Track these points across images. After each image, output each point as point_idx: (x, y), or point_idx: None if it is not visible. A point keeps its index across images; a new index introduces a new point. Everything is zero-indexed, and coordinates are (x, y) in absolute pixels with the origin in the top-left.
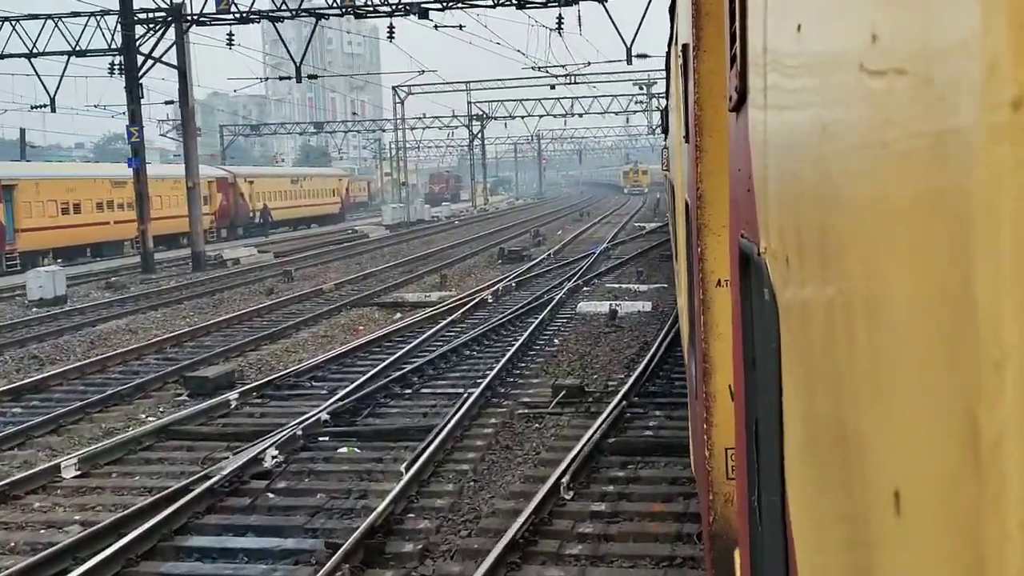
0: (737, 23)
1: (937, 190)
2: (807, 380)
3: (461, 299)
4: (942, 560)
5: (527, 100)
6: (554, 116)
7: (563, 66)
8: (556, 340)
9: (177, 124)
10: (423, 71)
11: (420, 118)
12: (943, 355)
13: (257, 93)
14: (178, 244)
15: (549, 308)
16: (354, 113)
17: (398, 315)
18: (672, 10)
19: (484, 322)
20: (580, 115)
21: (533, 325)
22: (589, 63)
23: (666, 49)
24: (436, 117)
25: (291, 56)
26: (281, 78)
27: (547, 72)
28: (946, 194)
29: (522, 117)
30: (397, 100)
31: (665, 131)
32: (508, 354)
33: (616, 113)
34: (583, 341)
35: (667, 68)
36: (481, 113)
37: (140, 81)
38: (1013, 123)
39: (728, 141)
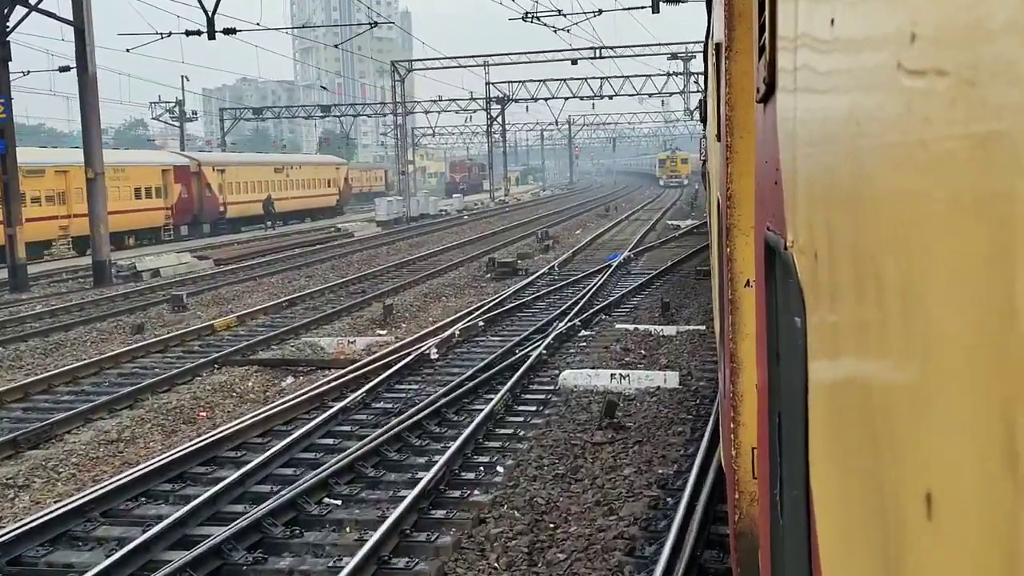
0: (767, 13)
1: (978, 193)
2: (835, 377)
3: (395, 351)
4: (976, 566)
5: (551, 80)
6: (580, 98)
7: (594, 49)
8: (500, 468)
9: (170, 107)
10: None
11: (436, 100)
12: (981, 359)
13: (285, 79)
14: (122, 244)
15: (516, 378)
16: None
17: (289, 380)
18: (709, 4)
19: (401, 408)
20: (610, 97)
21: (474, 423)
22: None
23: (704, 40)
24: (453, 100)
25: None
26: (188, 33)
27: (569, 43)
28: (988, 198)
29: (546, 99)
30: (397, 79)
31: (704, 120)
32: (385, 524)
33: (650, 95)
34: (549, 470)
35: (705, 58)
36: (501, 95)
37: (7, 38)
38: None
39: (756, 133)
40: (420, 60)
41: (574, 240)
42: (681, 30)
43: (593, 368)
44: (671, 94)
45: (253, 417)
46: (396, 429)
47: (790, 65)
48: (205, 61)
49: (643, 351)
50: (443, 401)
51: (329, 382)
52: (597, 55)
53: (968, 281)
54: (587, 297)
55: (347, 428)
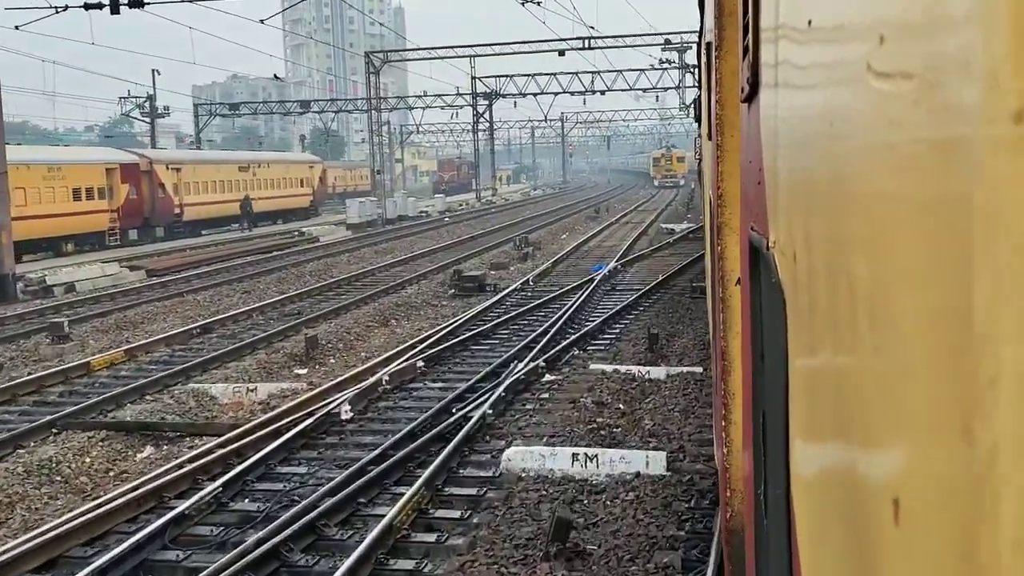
0: (750, 14)
1: (940, 196)
2: (812, 377)
3: (301, 405)
4: (941, 574)
5: (540, 75)
6: (571, 94)
7: (585, 39)
8: None
9: (141, 101)
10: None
11: (420, 96)
12: (943, 364)
13: (277, 75)
14: (60, 251)
15: (443, 458)
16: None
17: (148, 451)
18: (701, 2)
19: (268, 511)
20: (602, 92)
21: (360, 550)
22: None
23: (697, 39)
24: (438, 95)
25: None
26: (87, 6)
27: (557, 34)
28: (949, 201)
29: (535, 94)
30: (371, 71)
31: (698, 119)
32: None
33: (644, 90)
34: None
35: (698, 57)
36: (488, 90)
37: None
38: (1015, 135)
39: (740, 134)
40: (397, 51)
41: (558, 247)
42: (675, 21)
43: (551, 442)
44: (666, 89)
45: (34, 539)
46: (239, 564)
47: (771, 65)
48: (197, 59)
49: (622, 406)
50: (327, 504)
51: (193, 459)
52: (586, 45)
53: (931, 287)
54: (560, 323)
55: (172, 556)
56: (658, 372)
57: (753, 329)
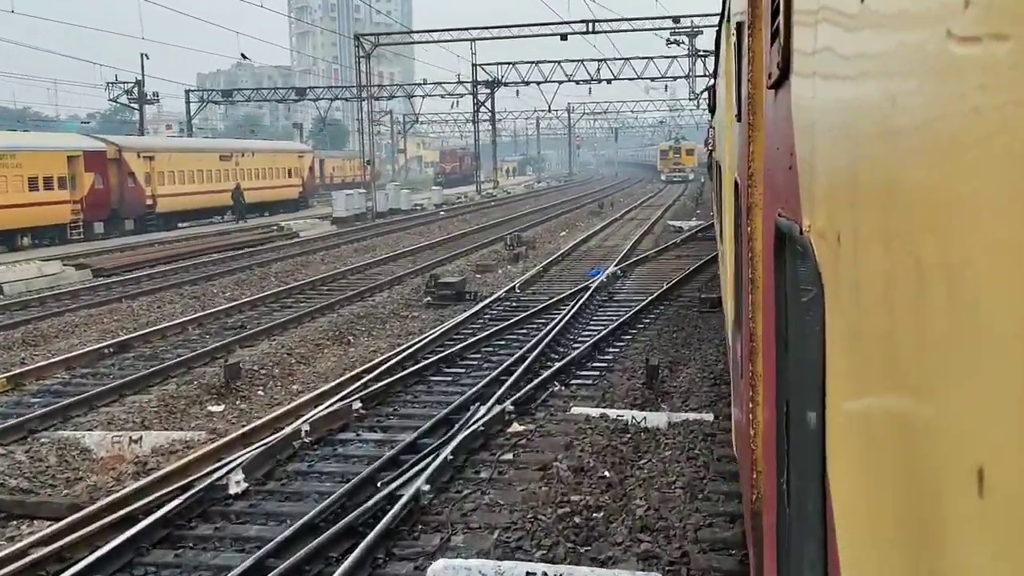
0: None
1: None
2: (860, 361)
3: (188, 467)
4: None
5: (543, 62)
6: (576, 82)
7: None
8: None
9: (128, 87)
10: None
11: (419, 84)
12: None
13: (282, 64)
14: (13, 245)
15: (346, 569)
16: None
17: None
18: None
19: None
20: (608, 81)
21: None
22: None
23: (717, 27)
24: (438, 83)
25: None
26: None
27: (560, 17)
28: None
29: (538, 83)
30: (362, 55)
31: (712, 110)
32: None
33: (652, 79)
34: None
35: (717, 45)
36: (490, 78)
37: None
38: None
39: (766, 120)
40: (389, 34)
41: (554, 246)
42: (684, 4)
43: (502, 541)
44: (675, 78)
45: None
46: None
47: (809, 47)
48: (201, 45)
49: (607, 472)
50: None
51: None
52: (590, 29)
53: (1018, 263)
54: (542, 346)
55: None
56: (657, 419)
57: (777, 314)
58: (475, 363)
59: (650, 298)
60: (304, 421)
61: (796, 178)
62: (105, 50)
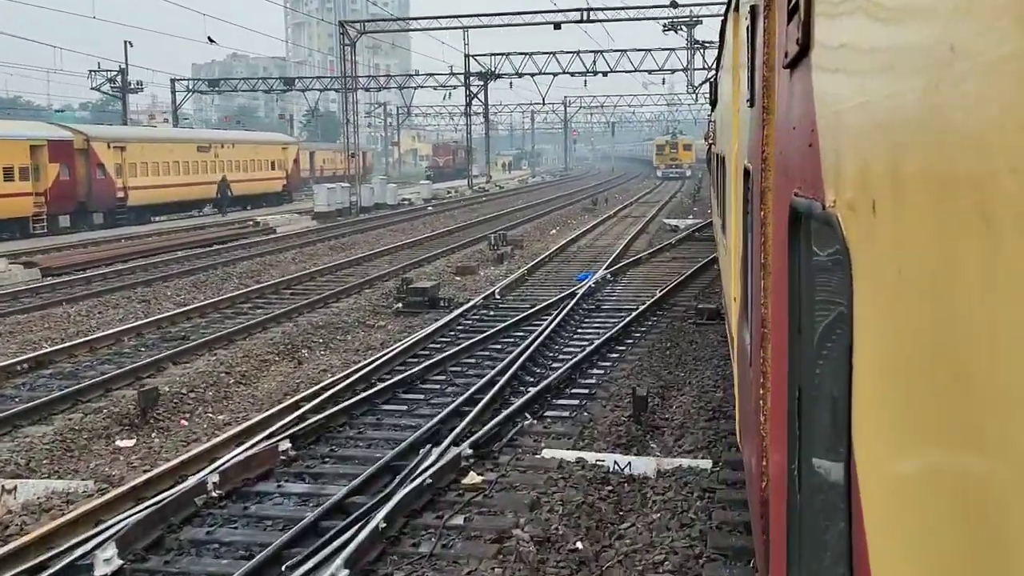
0: None
1: None
2: (895, 337)
3: (58, 530)
4: None
5: (538, 54)
6: (572, 74)
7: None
8: None
9: (112, 76)
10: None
11: (411, 75)
12: None
13: (278, 55)
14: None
15: None
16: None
17: None
18: None
19: None
20: (604, 74)
21: None
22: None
23: (722, 16)
24: (430, 74)
25: None
26: None
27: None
28: None
29: (532, 75)
30: (346, 42)
31: (713, 104)
32: None
33: (650, 72)
34: None
35: (721, 37)
36: (484, 70)
37: None
38: None
39: (779, 101)
40: (375, 20)
41: (543, 245)
42: None
43: None
44: (673, 71)
45: None
46: None
47: (833, 16)
48: (199, 37)
49: (581, 544)
50: None
51: None
52: (584, 18)
53: None
54: (515, 367)
55: None
56: (645, 465)
57: (791, 298)
58: (437, 388)
59: (641, 308)
60: (214, 470)
61: (817, 154)
62: (104, 40)
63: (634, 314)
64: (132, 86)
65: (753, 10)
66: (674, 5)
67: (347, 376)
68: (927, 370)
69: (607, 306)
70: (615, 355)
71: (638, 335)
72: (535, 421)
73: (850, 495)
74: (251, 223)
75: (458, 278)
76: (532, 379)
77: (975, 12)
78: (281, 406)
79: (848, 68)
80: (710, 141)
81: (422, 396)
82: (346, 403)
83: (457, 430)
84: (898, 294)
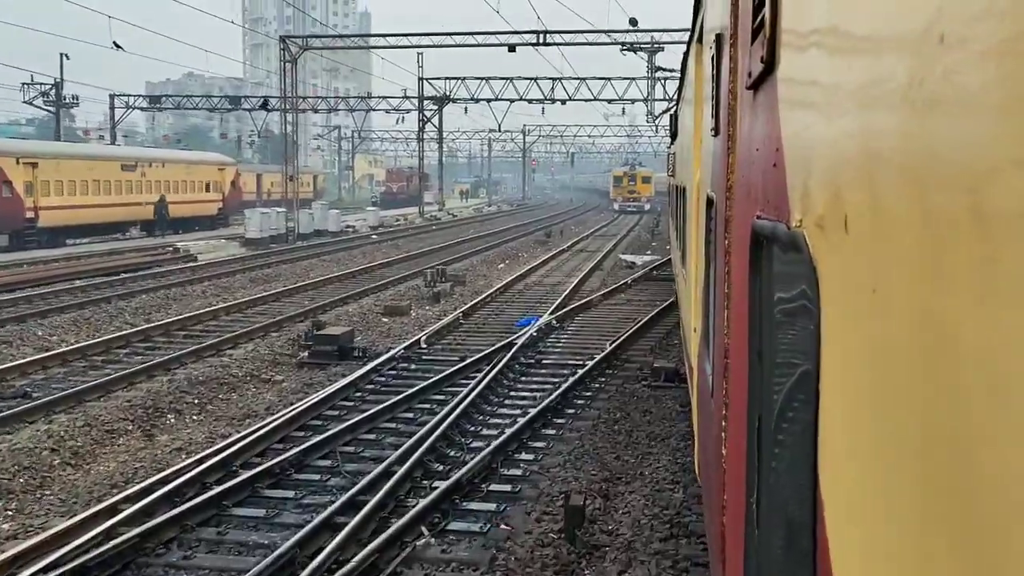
0: None
1: None
2: (867, 357)
3: None
4: None
5: (494, 79)
6: (528, 101)
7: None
8: None
9: (45, 88)
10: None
11: (363, 98)
12: None
13: (235, 75)
14: None
15: None
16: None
17: None
18: (697, 5)
19: None
20: (563, 102)
21: None
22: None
23: (685, 50)
24: (383, 97)
25: None
26: None
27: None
28: None
29: (488, 100)
30: (287, 59)
31: (673, 135)
32: None
33: (610, 101)
34: None
35: (683, 70)
36: (438, 94)
37: None
38: None
39: (742, 123)
40: (318, 37)
41: (487, 282)
42: (643, 19)
43: None
44: (633, 101)
45: None
46: None
47: (800, 28)
48: (155, 55)
49: None
50: None
51: None
52: (540, 40)
53: None
54: (423, 448)
55: None
56: None
57: (751, 327)
58: (315, 480)
59: (589, 365)
60: None
61: (782, 173)
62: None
63: (580, 373)
64: (66, 100)
65: (718, 38)
66: (633, 23)
67: (200, 461)
68: (905, 393)
69: (548, 361)
70: (551, 431)
71: (581, 402)
72: (432, 540)
73: (815, 531)
74: (170, 249)
75: (385, 319)
76: (440, 469)
77: (947, 28)
78: (87, 513)
79: (816, 81)
80: (670, 173)
81: (292, 493)
82: (183, 507)
83: (327, 551)
84: (872, 314)
